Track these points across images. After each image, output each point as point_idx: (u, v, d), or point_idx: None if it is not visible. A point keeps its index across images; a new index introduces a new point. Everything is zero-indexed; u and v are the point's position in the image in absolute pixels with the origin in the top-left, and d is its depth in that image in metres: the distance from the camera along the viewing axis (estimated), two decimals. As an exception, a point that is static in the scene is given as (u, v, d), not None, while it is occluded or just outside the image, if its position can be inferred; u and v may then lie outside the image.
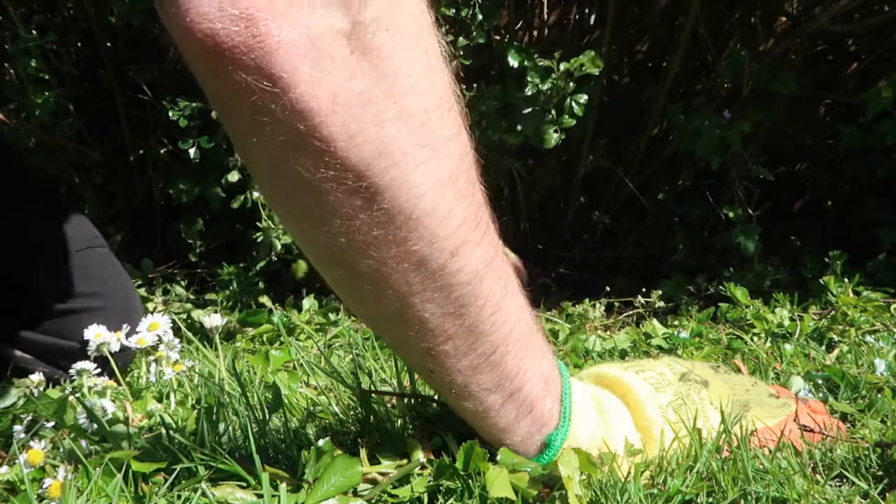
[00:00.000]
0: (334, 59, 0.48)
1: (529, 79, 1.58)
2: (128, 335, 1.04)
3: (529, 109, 1.60)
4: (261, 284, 1.78)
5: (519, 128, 1.62)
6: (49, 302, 1.11)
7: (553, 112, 1.60)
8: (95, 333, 1.03)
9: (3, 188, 1.09)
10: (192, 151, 1.69)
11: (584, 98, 1.61)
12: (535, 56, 1.58)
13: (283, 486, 0.61)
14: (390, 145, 0.51)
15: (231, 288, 1.75)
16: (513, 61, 1.58)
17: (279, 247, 1.70)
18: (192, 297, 1.78)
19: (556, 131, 1.62)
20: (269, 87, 0.47)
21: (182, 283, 1.81)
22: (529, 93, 1.59)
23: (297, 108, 0.48)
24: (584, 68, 1.55)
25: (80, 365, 0.96)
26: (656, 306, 1.65)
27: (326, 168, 0.50)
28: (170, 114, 1.67)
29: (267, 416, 0.78)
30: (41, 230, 1.13)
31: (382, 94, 0.50)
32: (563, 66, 1.56)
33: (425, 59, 0.52)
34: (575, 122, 1.61)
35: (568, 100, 1.60)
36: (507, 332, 0.62)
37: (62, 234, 1.15)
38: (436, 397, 0.78)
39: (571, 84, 1.58)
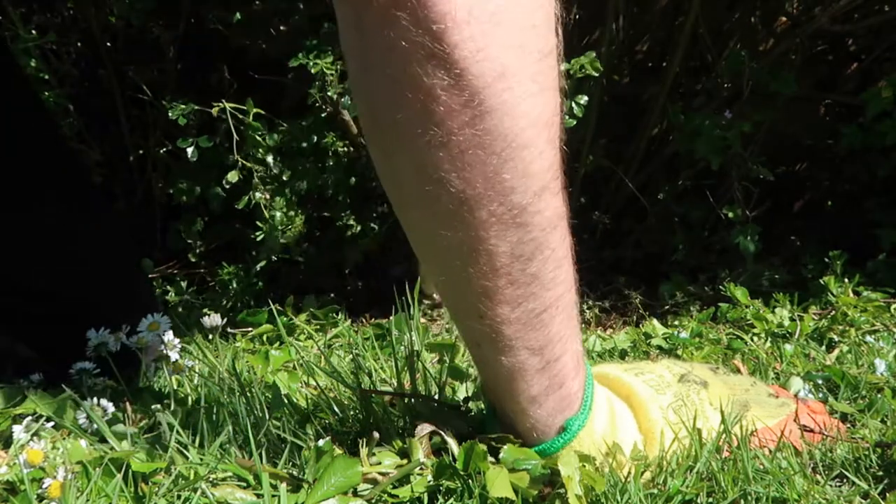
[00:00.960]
0: None
1: None
2: (128, 335, 1.04)
3: None
4: (261, 284, 1.78)
5: None
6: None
7: None
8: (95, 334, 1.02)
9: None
10: (189, 151, 1.68)
11: (584, 99, 1.61)
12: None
13: (283, 486, 0.61)
14: (508, 69, 0.53)
15: (231, 288, 1.75)
16: None
17: (278, 246, 1.70)
18: (191, 297, 1.78)
19: None
20: None
21: (182, 283, 1.81)
22: None
23: (435, 9, 0.50)
24: (583, 70, 1.55)
25: (80, 365, 0.96)
26: (657, 306, 1.65)
27: (445, 75, 0.52)
28: (169, 113, 1.66)
29: (267, 416, 0.78)
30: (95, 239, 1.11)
31: (510, 19, 0.52)
32: (562, 67, 1.56)
33: (546, 7, 0.55)
34: (575, 122, 1.62)
35: (568, 100, 1.60)
36: (560, 295, 0.63)
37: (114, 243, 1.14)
38: (436, 397, 0.78)
39: (571, 84, 1.58)
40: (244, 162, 1.68)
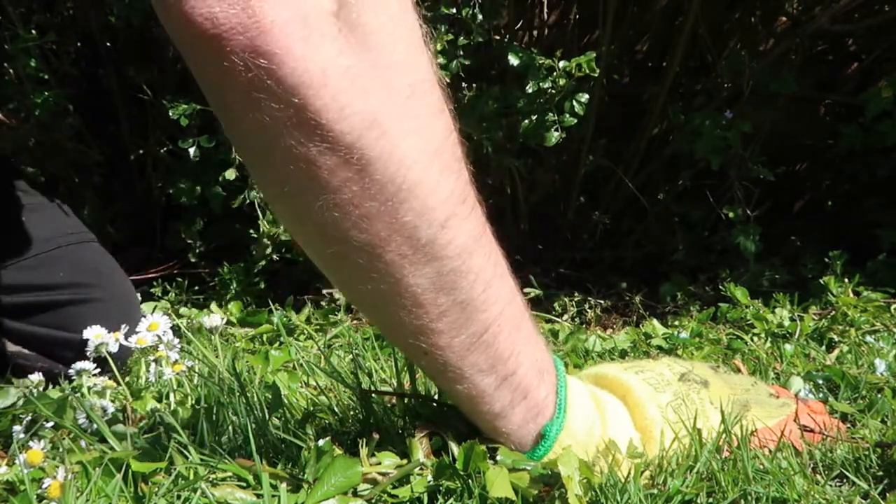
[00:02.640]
0: (324, 35, 0.51)
1: (531, 77, 1.58)
2: (127, 335, 1.04)
3: (530, 108, 1.61)
4: (261, 285, 1.78)
5: (524, 124, 1.61)
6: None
7: (554, 111, 1.61)
8: (95, 334, 1.02)
9: None
10: (192, 151, 1.68)
11: (584, 97, 1.61)
12: (536, 55, 1.59)
13: (283, 486, 0.61)
14: (378, 116, 0.53)
15: (231, 288, 1.75)
16: (514, 60, 1.58)
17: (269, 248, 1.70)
18: (191, 297, 1.78)
19: (556, 130, 1.62)
20: (264, 63, 0.50)
21: (182, 282, 1.81)
22: (530, 91, 1.59)
23: (290, 83, 0.51)
24: (581, 69, 1.56)
25: (79, 365, 0.96)
26: (657, 306, 1.65)
27: (320, 140, 0.53)
28: (170, 113, 1.66)
29: (267, 416, 0.78)
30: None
31: (368, 67, 0.53)
32: (562, 65, 1.57)
33: (409, 38, 0.55)
34: (576, 121, 1.62)
35: (569, 99, 1.60)
36: (498, 313, 0.63)
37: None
38: (436, 397, 0.78)
39: (572, 83, 1.58)
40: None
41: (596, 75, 1.59)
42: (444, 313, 0.60)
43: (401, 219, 0.56)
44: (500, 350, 0.63)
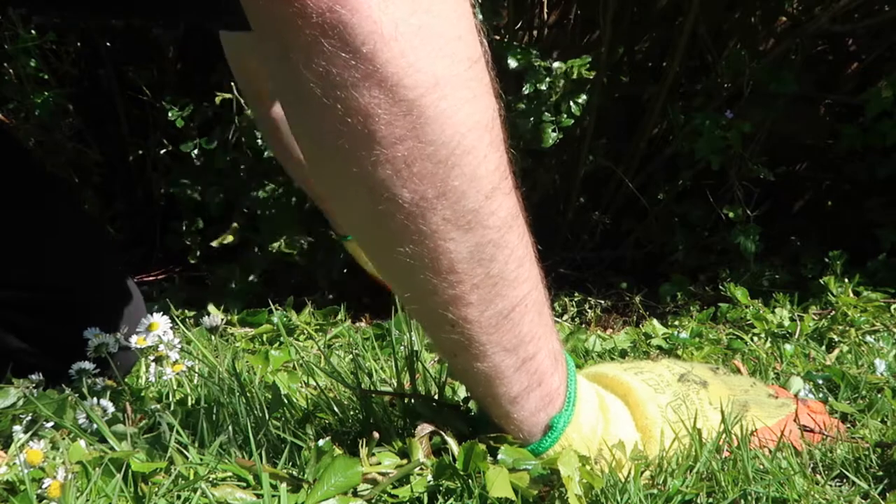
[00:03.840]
0: None
1: (528, 78, 1.58)
2: (127, 335, 1.04)
3: (528, 109, 1.61)
4: (256, 282, 1.78)
5: (525, 127, 1.62)
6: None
7: (552, 111, 1.61)
8: (95, 334, 1.02)
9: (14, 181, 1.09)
10: (194, 153, 1.69)
11: (582, 98, 1.61)
12: (534, 56, 1.59)
13: (283, 486, 0.61)
14: (441, 79, 0.55)
15: (230, 288, 1.75)
16: (513, 62, 1.59)
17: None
18: (191, 296, 1.78)
19: (553, 130, 1.62)
20: (338, 7, 0.51)
21: (181, 283, 1.81)
22: (527, 92, 1.59)
23: (363, 31, 0.52)
24: (573, 72, 1.56)
25: (79, 365, 0.96)
26: (657, 306, 1.65)
27: (380, 92, 0.53)
28: (169, 114, 1.67)
29: (267, 416, 0.78)
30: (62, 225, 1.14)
31: (437, 32, 0.54)
32: (556, 66, 1.57)
33: (470, 19, 0.57)
34: (573, 121, 1.62)
35: (566, 100, 1.60)
36: (526, 293, 0.64)
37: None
38: (436, 397, 0.78)
39: (569, 85, 1.58)
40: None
41: (591, 77, 1.59)
42: (477, 285, 0.61)
43: (450, 182, 0.57)
44: (524, 331, 0.64)
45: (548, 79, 1.58)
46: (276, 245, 1.71)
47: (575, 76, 1.57)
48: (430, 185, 0.57)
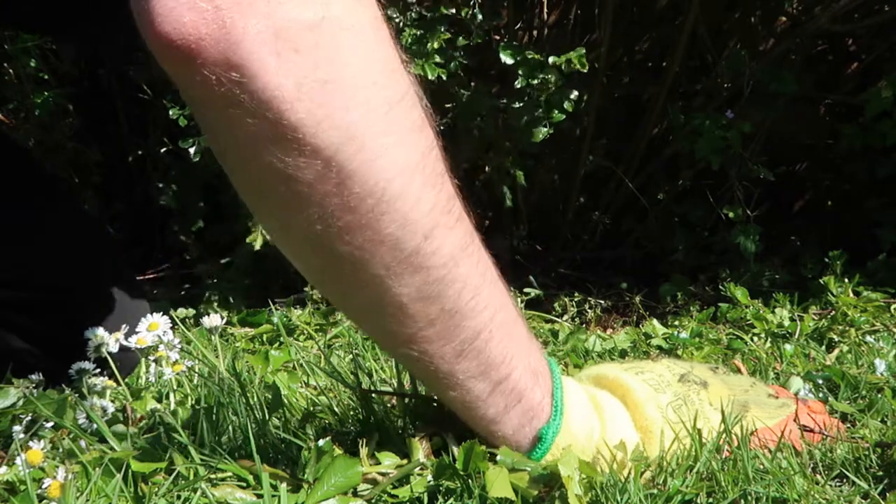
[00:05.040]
0: (299, 50, 0.50)
1: (520, 73, 1.58)
2: (127, 335, 1.04)
3: (520, 103, 1.61)
4: (246, 283, 1.77)
5: (519, 125, 1.62)
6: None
7: (543, 107, 1.61)
8: (95, 334, 1.02)
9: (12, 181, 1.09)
10: (192, 150, 1.69)
11: (574, 94, 1.61)
12: (527, 51, 1.59)
13: (283, 486, 0.61)
14: (356, 131, 0.53)
15: (230, 287, 1.75)
16: (506, 59, 1.59)
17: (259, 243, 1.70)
18: (191, 296, 1.78)
19: (545, 126, 1.62)
20: (236, 77, 0.50)
21: (181, 282, 1.81)
22: (519, 86, 1.59)
23: (263, 97, 0.50)
24: (571, 65, 1.56)
25: (79, 365, 0.96)
26: (657, 306, 1.65)
27: (297, 155, 0.52)
28: (170, 112, 1.67)
29: (267, 416, 0.78)
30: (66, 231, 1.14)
31: (347, 83, 0.53)
32: (551, 60, 1.57)
33: (386, 61, 0.55)
34: (564, 117, 1.62)
35: (559, 95, 1.61)
36: (489, 319, 0.63)
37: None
38: (436, 397, 0.78)
39: (562, 79, 1.58)
40: None
41: (585, 71, 1.59)
42: (432, 322, 0.60)
43: (383, 230, 0.56)
44: (492, 356, 0.63)
45: (541, 75, 1.58)
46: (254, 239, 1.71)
47: (574, 67, 1.56)
48: (363, 236, 0.56)
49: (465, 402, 0.65)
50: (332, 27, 0.52)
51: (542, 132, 1.62)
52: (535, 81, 1.58)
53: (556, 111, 1.61)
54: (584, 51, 1.58)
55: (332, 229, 0.55)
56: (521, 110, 1.62)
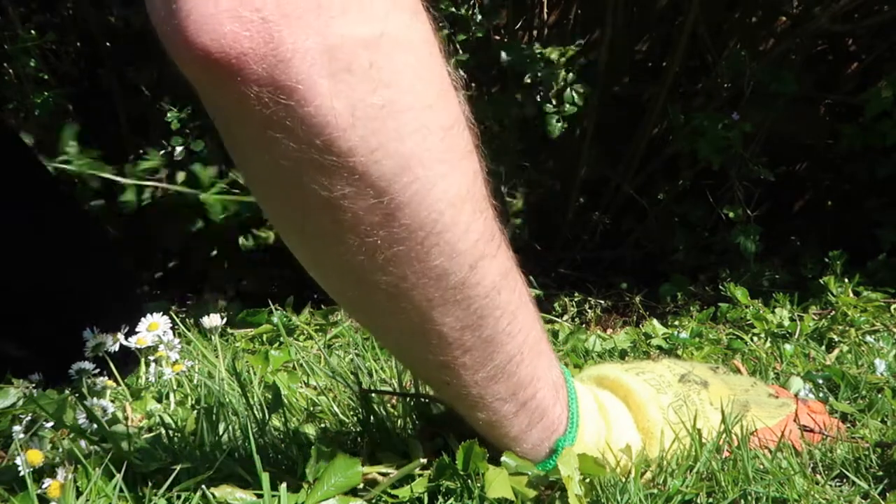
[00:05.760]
0: (352, 71, 0.45)
1: (528, 68, 1.59)
2: (127, 335, 1.04)
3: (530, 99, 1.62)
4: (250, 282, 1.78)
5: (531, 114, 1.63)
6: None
7: (553, 101, 1.61)
8: (94, 334, 1.02)
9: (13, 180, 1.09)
10: (178, 150, 1.69)
11: (582, 87, 1.62)
12: (535, 46, 1.60)
13: (283, 486, 0.61)
14: (411, 160, 0.49)
15: (230, 287, 1.75)
16: (507, 56, 1.59)
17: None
18: (191, 296, 1.78)
19: (558, 120, 1.62)
20: (283, 99, 0.45)
21: (181, 282, 1.81)
22: (529, 80, 1.60)
23: (313, 122, 0.46)
24: (567, 54, 1.57)
25: (79, 365, 0.96)
26: (657, 306, 1.65)
27: (345, 184, 0.48)
28: (167, 115, 1.67)
29: (267, 416, 0.78)
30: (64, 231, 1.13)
31: (404, 108, 0.48)
32: (556, 54, 1.57)
33: (439, 81, 0.51)
34: (576, 109, 1.62)
35: (568, 89, 1.61)
36: (522, 342, 0.61)
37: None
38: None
39: (571, 75, 1.59)
40: None
41: (584, 63, 1.60)
42: (469, 350, 0.59)
43: (430, 263, 0.53)
44: (522, 378, 0.62)
45: (545, 68, 1.58)
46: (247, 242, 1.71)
47: (562, 59, 1.57)
48: (409, 268, 0.53)
49: (491, 422, 0.64)
50: (389, 45, 0.47)
51: (557, 127, 1.62)
52: (541, 74, 1.58)
53: (568, 105, 1.62)
54: (581, 41, 1.59)
55: (376, 261, 0.52)
56: (529, 103, 1.62)
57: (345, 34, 0.45)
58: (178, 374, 1.00)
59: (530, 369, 0.63)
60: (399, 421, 0.76)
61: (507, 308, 0.59)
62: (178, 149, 1.69)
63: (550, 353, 0.66)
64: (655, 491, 0.64)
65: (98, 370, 0.97)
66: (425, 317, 0.56)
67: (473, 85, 1.76)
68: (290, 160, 0.47)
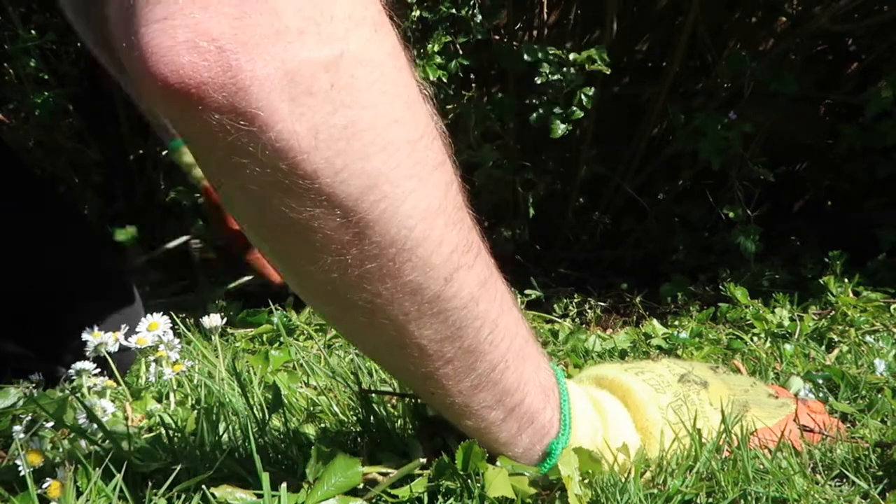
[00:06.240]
0: (313, 93, 0.46)
1: (541, 69, 1.58)
2: (127, 335, 1.04)
3: (538, 100, 1.61)
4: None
5: (532, 117, 1.62)
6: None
7: (562, 104, 1.61)
8: (94, 334, 1.02)
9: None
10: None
11: (591, 91, 1.62)
12: (548, 48, 1.59)
13: (283, 486, 0.61)
14: (378, 178, 0.49)
15: (230, 287, 1.75)
16: (528, 57, 1.59)
17: None
18: (191, 296, 1.78)
19: (563, 122, 1.62)
20: (244, 126, 0.45)
21: (181, 282, 1.81)
22: (540, 82, 1.60)
23: (276, 147, 0.46)
24: (593, 62, 1.56)
25: (79, 365, 0.96)
26: (657, 306, 1.65)
27: (313, 206, 0.48)
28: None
29: (267, 416, 0.78)
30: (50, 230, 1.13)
31: (367, 126, 0.48)
32: (572, 57, 1.57)
33: (405, 94, 0.51)
34: (583, 114, 1.62)
35: (577, 92, 1.61)
36: (506, 349, 0.61)
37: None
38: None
39: (580, 76, 1.59)
40: None
41: (607, 69, 1.59)
42: (450, 360, 0.59)
43: (404, 279, 0.53)
44: (507, 385, 0.62)
45: (564, 68, 1.58)
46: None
47: (593, 66, 1.57)
48: (381, 285, 0.53)
49: (479, 429, 0.64)
50: (350, 64, 0.47)
51: (561, 128, 1.62)
52: (556, 78, 1.58)
53: (576, 108, 1.62)
54: (604, 46, 1.58)
55: (349, 278, 0.52)
56: (538, 105, 1.62)
57: (303, 58, 0.45)
58: (178, 374, 1.00)
59: (516, 375, 0.63)
60: (399, 421, 0.76)
61: (486, 317, 0.59)
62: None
63: (538, 357, 0.66)
64: (655, 491, 0.64)
65: (98, 370, 0.97)
66: (403, 331, 0.56)
67: (474, 86, 1.76)
68: (257, 184, 0.47)
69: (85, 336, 1.02)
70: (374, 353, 0.63)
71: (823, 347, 1.28)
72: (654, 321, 1.49)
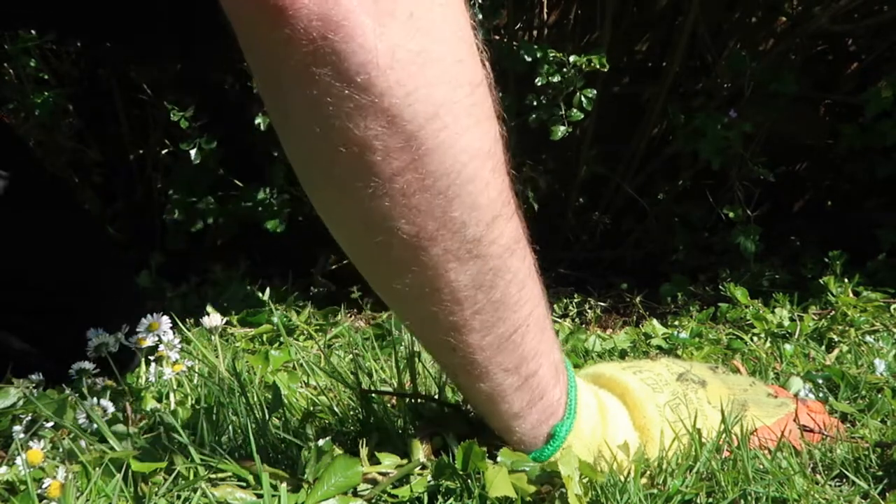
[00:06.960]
0: (395, 16, 0.49)
1: (541, 70, 1.58)
2: (127, 335, 1.04)
3: (538, 102, 1.61)
4: (248, 285, 1.77)
5: (532, 117, 1.62)
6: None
7: (562, 105, 1.61)
8: (95, 334, 1.02)
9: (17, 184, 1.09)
10: (192, 153, 1.68)
11: (592, 93, 1.62)
12: (548, 49, 1.59)
13: (283, 486, 0.61)
14: (442, 107, 0.52)
15: (230, 287, 1.75)
16: (527, 57, 1.59)
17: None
18: (191, 296, 1.78)
19: (563, 124, 1.62)
20: (330, 34, 0.48)
21: (181, 282, 1.81)
22: (540, 84, 1.60)
23: (356, 60, 0.49)
24: (592, 63, 1.56)
25: (79, 365, 0.96)
26: (657, 306, 1.65)
27: (378, 124, 0.51)
28: (171, 115, 1.66)
29: (267, 416, 0.78)
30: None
31: (437, 58, 0.51)
32: (573, 59, 1.57)
33: (471, 40, 0.54)
34: (583, 116, 1.62)
35: (577, 94, 1.61)
36: (528, 313, 0.63)
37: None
38: (436, 397, 0.78)
39: (580, 78, 1.59)
40: None
41: (606, 70, 1.59)
42: (479, 311, 0.60)
43: (451, 213, 0.55)
44: (527, 350, 0.63)
45: (563, 69, 1.58)
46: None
47: (594, 67, 1.57)
48: (430, 216, 0.55)
49: (493, 395, 0.64)
50: (429, 2, 0.50)
51: (561, 130, 1.62)
52: (556, 80, 1.58)
53: (575, 110, 1.62)
54: (603, 50, 1.58)
55: (400, 207, 0.54)
56: (539, 107, 1.62)
57: None
58: (178, 374, 1.00)
59: (535, 343, 0.64)
60: (399, 421, 0.76)
61: (517, 274, 0.61)
62: (193, 152, 1.69)
63: (554, 336, 0.67)
64: (655, 491, 0.64)
65: (98, 370, 0.97)
66: (440, 271, 0.57)
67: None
68: (330, 97, 0.50)
69: (87, 336, 1.02)
70: (402, 299, 0.62)
71: (823, 347, 1.28)
72: (654, 321, 1.49)
